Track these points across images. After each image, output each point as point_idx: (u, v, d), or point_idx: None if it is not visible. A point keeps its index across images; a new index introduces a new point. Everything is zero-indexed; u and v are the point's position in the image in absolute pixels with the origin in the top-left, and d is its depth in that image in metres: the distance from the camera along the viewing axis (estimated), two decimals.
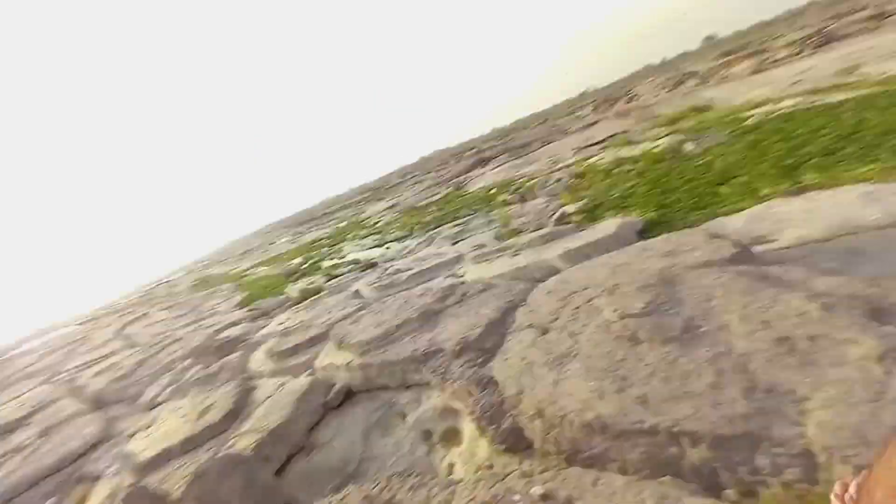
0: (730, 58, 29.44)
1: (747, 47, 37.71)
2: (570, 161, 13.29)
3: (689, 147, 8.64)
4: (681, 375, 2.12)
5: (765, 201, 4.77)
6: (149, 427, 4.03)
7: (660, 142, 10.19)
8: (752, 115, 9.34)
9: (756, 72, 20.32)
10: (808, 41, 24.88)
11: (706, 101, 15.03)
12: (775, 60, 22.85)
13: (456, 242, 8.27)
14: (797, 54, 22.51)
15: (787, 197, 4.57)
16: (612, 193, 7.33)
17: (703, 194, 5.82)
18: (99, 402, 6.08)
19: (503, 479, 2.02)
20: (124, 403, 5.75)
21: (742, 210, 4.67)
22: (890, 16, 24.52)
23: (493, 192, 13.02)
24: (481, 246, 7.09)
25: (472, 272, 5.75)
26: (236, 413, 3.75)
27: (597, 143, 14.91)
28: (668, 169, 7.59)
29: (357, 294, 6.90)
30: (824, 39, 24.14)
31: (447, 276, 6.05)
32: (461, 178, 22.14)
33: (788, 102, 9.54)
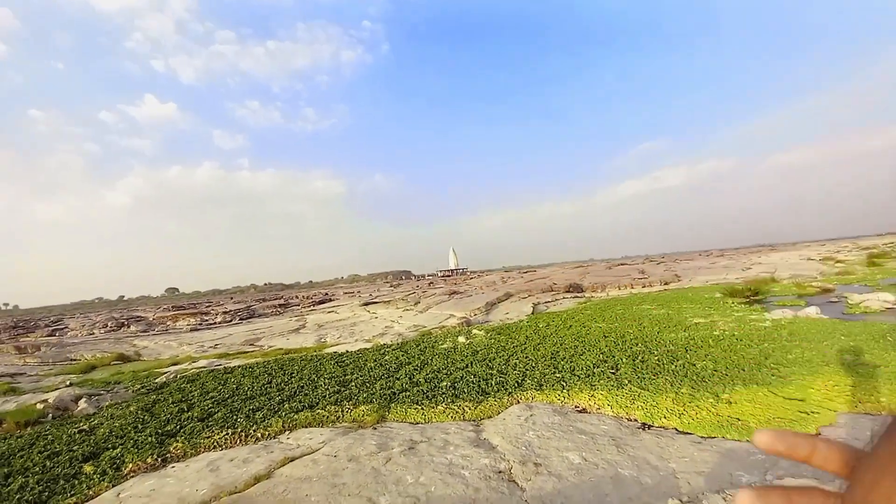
0: (178, 312, 32.01)
1: (198, 306, 43.19)
2: None
3: (83, 406, 7.06)
4: None
5: (128, 480, 4.10)
6: None
7: (49, 395, 7.81)
8: (168, 372, 9.47)
9: (194, 329, 22.83)
10: (239, 313, 31.96)
11: (136, 350, 14.34)
12: (212, 322, 27.04)
13: None
14: (229, 322, 27.93)
15: (148, 473, 4.15)
16: None
17: (60, 477, 4.36)
18: None
19: None
20: None
21: (88, 501, 3.68)
22: (289, 306, 36.89)
23: None
24: None
25: None
26: None
27: None
28: (35, 437, 5.55)
29: None
30: (249, 314, 31.96)
31: None
32: None
33: (202, 363, 10.70)
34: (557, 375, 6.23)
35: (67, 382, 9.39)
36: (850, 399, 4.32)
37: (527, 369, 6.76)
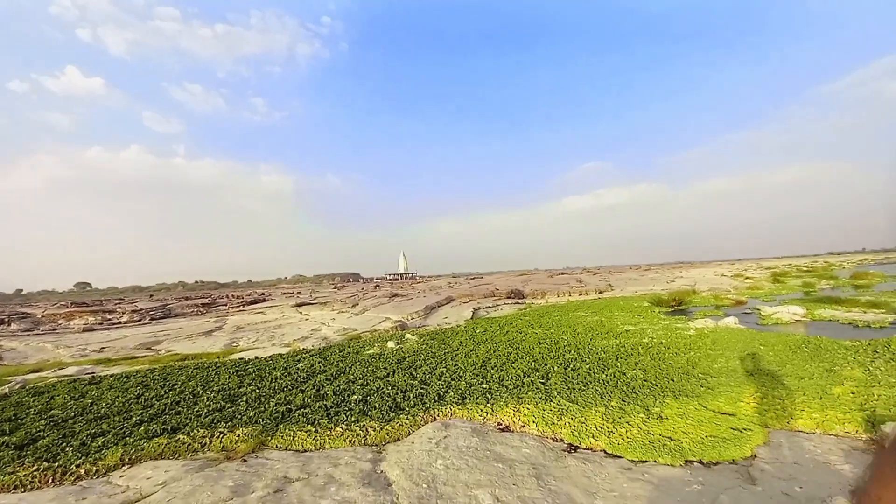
0: (76, 309, 27.66)
1: (104, 304, 37.92)
2: None
3: None
4: None
5: None
6: None
7: None
8: (15, 381, 7.52)
9: (89, 329, 19.58)
10: (152, 312, 28.31)
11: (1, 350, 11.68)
12: (117, 322, 23.57)
13: None
14: (137, 321, 24.54)
15: None
16: None
17: None
18: None
19: None
20: None
21: None
22: (215, 305, 33.35)
23: None
24: None
25: None
26: None
27: None
28: None
29: None
30: (164, 314, 28.44)
31: None
32: None
33: (71, 370, 8.74)
34: (484, 386, 5.56)
35: None
36: (781, 414, 4.07)
37: (452, 379, 6.03)
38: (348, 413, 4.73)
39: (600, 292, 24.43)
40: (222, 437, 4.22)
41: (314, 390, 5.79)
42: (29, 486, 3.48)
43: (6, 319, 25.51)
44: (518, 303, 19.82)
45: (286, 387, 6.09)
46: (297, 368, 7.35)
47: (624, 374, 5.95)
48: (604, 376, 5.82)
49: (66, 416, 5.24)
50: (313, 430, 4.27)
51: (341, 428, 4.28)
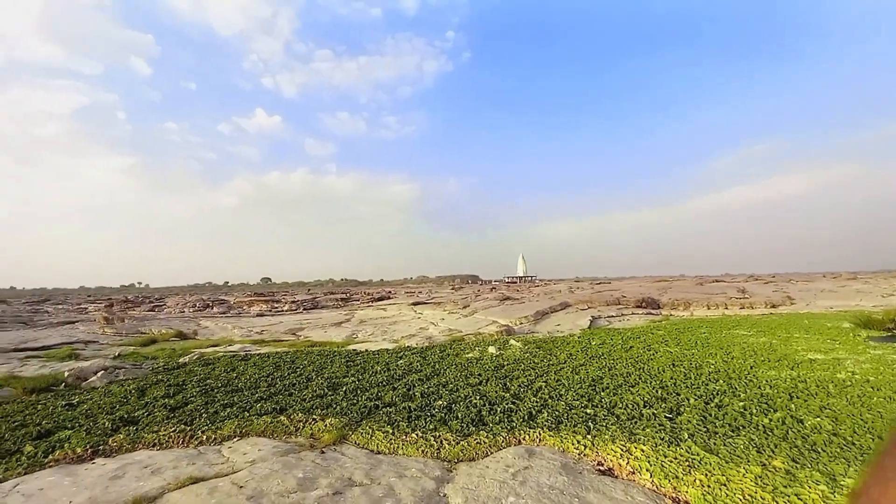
0: (255, 298, 34.83)
1: (275, 295, 46.91)
2: None
3: (94, 378, 7.17)
4: None
5: (43, 469, 3.63)
6: None
7: (87, 364, 8.21)
8: (195, 353, 9.59)
9: (261, 315, 24.33)
10: (305, 303, 33.67)
11: (196, 329, 15.34)
12: (280, 310, 28.75)
13: None
14: (294, 311, 29.47)
15: (66, 466, 3.64)
16: None
17: None
18: None
19: None
20: None
21: None
22: (350, 300, 38.15)
23: None
24: None
25: None
26: None
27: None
28: (26, 405, 5.56)
29: None
30: (313, 305, 33.53)
31: None
32: None
33: (235, 347, 10.79)
34: (588, 411, 4.66)
35: (116, 353, 10.00)
36: None
37: (550, 397, 5.25)
38: (429, 419, 4.47)
39: (774, 306, 19.40)
40: (314, 424, 4.41)
41: (405, 389, 5.74)
42: (163, 445, 4.13)
43: (210, 304, 33.48)
44: (651, 313, 17.09)
45: (381, 382, 6.21)
46: (397, 365, 7.51)
47: (800, 421, 4.29)
48: (766, 421, 4.29)
49: (215, 386, 6.30)
50: (391, 431, 4.13)
51: (417, 434, 4.02)
